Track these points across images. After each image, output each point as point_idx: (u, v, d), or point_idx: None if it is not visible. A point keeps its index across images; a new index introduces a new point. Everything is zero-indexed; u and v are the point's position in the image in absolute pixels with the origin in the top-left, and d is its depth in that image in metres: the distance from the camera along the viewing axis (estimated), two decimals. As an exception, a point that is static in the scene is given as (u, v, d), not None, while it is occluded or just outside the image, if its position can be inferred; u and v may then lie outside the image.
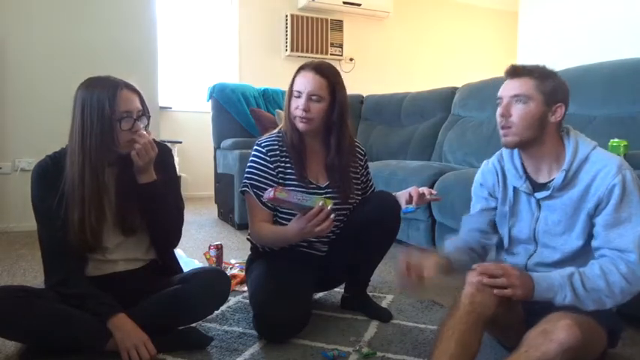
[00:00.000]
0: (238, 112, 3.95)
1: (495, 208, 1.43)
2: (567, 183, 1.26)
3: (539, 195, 1.30)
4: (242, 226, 3.42)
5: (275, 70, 5.23)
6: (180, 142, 4.68)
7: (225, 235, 3.30)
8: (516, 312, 1.29)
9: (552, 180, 1.28)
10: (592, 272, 1.19)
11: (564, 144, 1.28)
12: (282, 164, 1.67)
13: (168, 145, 1.70)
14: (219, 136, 3.97)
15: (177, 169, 3.01)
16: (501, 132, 1.30)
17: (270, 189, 1.46)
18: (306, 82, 1.62)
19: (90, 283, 1.44)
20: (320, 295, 2.00)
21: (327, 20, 5.48)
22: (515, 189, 1.37)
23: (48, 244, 1.45)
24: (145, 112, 1.45)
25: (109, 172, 1.47)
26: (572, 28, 3.96)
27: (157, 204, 1.48)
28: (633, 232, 1.18)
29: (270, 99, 4.15)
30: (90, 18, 3.50)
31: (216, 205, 4.10)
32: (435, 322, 1.68)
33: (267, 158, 1.66)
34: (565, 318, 1.06)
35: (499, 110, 1.29)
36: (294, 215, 1.56)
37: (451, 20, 6.36)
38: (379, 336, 1.61)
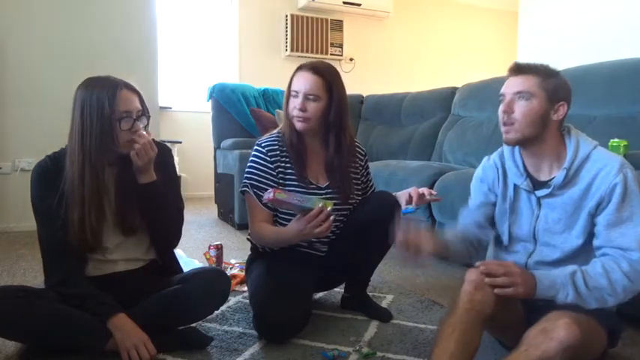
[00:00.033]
0: (238, 112, 3.95)
1: (494, 204, 1.44)
2: (568, 181, 1.26)
3: (540, 193, 1.31)
4: (242, 226, 3.42)
5: (275, 70, 5.23)
6: (180, 142, 4.68)
7: (225, 235, 3.30)
8: (516, 311, 1.29)
9: (553, 178, 1.28)
10: (594, 270, 1.19)
11: (565, 143, 1.29)
12: (283, 164, 1.67)
13: (168, 145, 1.70)
14: (219, 136, 3.97)
15: (178, 169, 3.02)
16: (503, 129, 1.30)
17: (270, 190, 1.46)
18: (303, 82, 1.62)
19: (90, 283, 1.44)
20: (320, 295, 2.00)
21: (327, 20, 5.48)
22: (515, 186, 1.37)
23: (48, 244, 1.45)
24: (144, 112, 1.45)
25: (109, 171, 1.47)
26: (572, 28, 3.96)
27: (156, 204, 1.48)
28: (635, 231, 1.19)
29: (270, 99, 4.15)
30: (90, 18, 3.51)
31: (216, 205, 4.10)
32: (435, 322, 1.68)
33: (268, 158, 1.66)
34: (564, 316, 1.06)
35: (501, 107, 1.29)
36: (294, 216, 1.56)
37: (451, 20, 6.36)
38: (379, 336, 1.61)
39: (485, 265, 1.19)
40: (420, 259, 1.33)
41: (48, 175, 1.43)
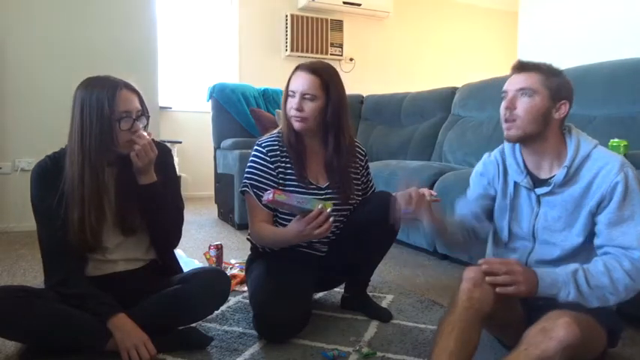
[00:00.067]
0: (238, 112, 3.95)
1: (492, 198, 1.44)
2: (569, 179, 1.26)
3: (540, 191, 1.31)
4: (242, 226, 3.42)
5: (275, 70, 5.22)
6: (180, 142, 4.68)
7: (225, 235, 3.30)
8: (515, 310, 1.29)
9: (553, 176, 1.28)
10: (596, 269, 1.19)
11: (566, 141, 1.29)
12: (283, 164, 1.67)
13: (168, 145, 1.70)
14: (219, 136, 3.97)
15: (177, 169, 3.02)
16: (505, 125, 1.30)
17: (270, 191, 1.46)
18: (300, 82, 1.62)
19: (90, 283, 1.44)
20: (320, 295, 2.00)
21: (327, 20, 5.48)
22: (515, 184, 1.37)
23: (48, 244, 1.45)
24: (144, 112, 1.45)
25: (109, 172, 1.47)
26: (572, 28, 3.96)
27: (157, 204, 1.48)
28: (636, 230, 1.19)
29: (270, 99, 4.15)
30: (90, 18, 3.50)
31: (216, 205, 4.10)
32: (435, 322, 1.67)
33: (268, 158, 1.66)
34: (564, 316, 1.06)
35: (504, 103, 1.29)
36: (294, 216, 1.56)
37: (451, 20, 6.36)
38: (379, 336, 1.61)
39: (487, 263, 1.18)
40: (418, 213, 1.35)
41: (48, 175, 1.43)
